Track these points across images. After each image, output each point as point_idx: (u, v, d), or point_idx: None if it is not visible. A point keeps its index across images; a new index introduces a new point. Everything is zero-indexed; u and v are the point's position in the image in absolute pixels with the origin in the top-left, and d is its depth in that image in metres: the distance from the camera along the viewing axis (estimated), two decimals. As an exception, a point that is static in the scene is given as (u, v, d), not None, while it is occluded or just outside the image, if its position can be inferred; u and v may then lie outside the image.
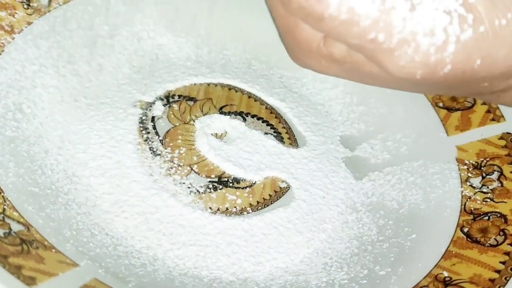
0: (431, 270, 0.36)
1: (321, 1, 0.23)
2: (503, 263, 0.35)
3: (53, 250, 0.31)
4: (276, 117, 0.47)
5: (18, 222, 0.32)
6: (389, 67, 0.24)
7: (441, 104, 0.46)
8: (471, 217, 0.39)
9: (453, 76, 0.24)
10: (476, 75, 0.24)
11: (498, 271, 0.35)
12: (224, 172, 0.42)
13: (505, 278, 0.34)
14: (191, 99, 0.46)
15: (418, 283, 0.35)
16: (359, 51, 0.25)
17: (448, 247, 0.37)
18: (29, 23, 0.43)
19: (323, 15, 0.23)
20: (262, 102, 0.48)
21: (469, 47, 0.23)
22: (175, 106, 0.46)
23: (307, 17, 0.24)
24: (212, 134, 0.45)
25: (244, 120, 0.46)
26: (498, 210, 0.39)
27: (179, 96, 0.46)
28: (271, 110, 0.48)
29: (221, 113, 0.46)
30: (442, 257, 0.37)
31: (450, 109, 0.46)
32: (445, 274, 0.35)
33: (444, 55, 0.23)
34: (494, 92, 0.27)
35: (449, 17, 0.22)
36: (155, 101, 0.46)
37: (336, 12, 0.23)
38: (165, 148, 0.43)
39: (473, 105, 0.46)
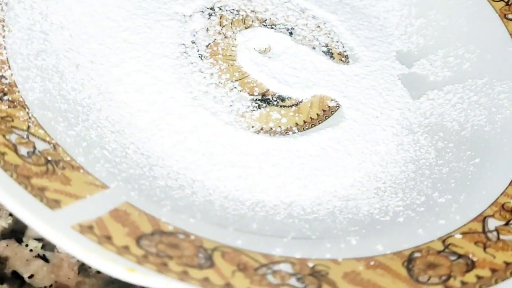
0: (497, 198, 0.32)
1: None
2: None
3: (81, 171, 0.29)
4: (325, 31, 0.43)
5: (44, 140, 0.30)
6: None
7: (510, 16, 0.42)
8: (543, 139, 0.35)
9: None
10: None
11: None
12: (268, 90, 0.39)
13: None
14: (233, 11, 0.43)
15: (482, 212, 0.32)
16: None
17: (517, 173, 0.34)
18: None
19: None
20: (310, 14, 0.44)
21: None
22: (215, 18, 0.42)
23: None
24: (255, 48, 0.41)
25: (290, 34, 0.43)
26: None
27: (220, 7, 0.43)
28: (320, 23, 0.44)
29: (265, 26, 0.43)
30: (510, 184, 0.33)
31: (520, 21, 0.42)
32: (514, 202, 0.32)
33: None
34: None
35: None
36: (194, 13, 0.42)
37: None
38: (205, 63, 0.39)
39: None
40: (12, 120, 0.30)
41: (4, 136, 0.28)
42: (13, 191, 0.26)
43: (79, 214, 0.26)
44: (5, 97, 0.31)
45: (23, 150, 0.28)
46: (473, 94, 0.40)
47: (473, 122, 0.38)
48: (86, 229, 0.25)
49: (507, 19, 0.42)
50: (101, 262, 0.24)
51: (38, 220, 0.25)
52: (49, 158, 0.29)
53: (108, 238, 0.25)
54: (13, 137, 0.29)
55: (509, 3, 0.43)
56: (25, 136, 0.29)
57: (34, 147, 0.29)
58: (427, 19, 0.45)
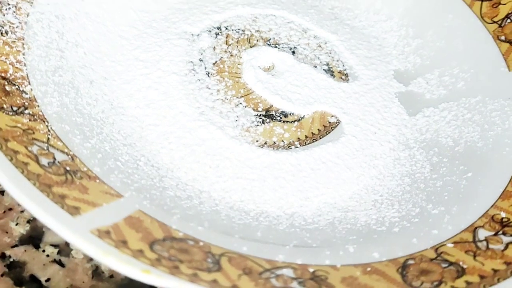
0: (488, 210, 0.34)
1: None
2: None
3: (97, 181, 0.31)
4: (326, 50, 0.45)
5: (62, 151, 0.31)
6: None
7: (503, 38, 0.44)
8: (532, 156, 0.37)
9: None
10: None
11: (561, 212, 0.33)
12: (272, 106, 0.41)
13: None
14: (238, 30, 0.45)
15: (473, 223, 0.33)
16: None
17: (507, 187, 0.35)
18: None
19: None
20: (312, 34, 0.46)
21: None
22: (221, 37, 0.44)
23: None
24: (259, 66, 0.43)
25: (293, 53, 0.45)
26: (561, 149, 0.37)
27: (226, 27, 0.45)
28: (322, 42, 0.46)
29: (269, 45, 0.45)
30: (499, 197, 0.35)
31: (512, 43, 0.44)
32: (503, 215, 0.34)
33: None
34: None
35: None
36: (202, 32, 0.44)
37: None
38: (212, 80, 0.41)
39: (538, 38, 0.43)
40: (33, 133, 0.31)
41: (26, 147, 0.30)
42: (37, 198, 0.28)
43: (97, 220, 0.28)
44: (26, 111, 0.32)
45: (44, 161, 0.30)
46: (467, 111, 0.42)
47: (466, 139, 0.40)
48: (104, 234, 0.27)
49: (500, 40, 0.44)
50: (118, 264, 0.26)
51: (60, 225, 0.27)
52: (68, 168, 0.30)
53: (124, 243, 0.27)
54: (34, 149, 0.30)
55: (502, 26, 0.45)
56: (45, 148, 0.31)
57: (54, 158, 0.31)
58: (424, 39, 0.47)
